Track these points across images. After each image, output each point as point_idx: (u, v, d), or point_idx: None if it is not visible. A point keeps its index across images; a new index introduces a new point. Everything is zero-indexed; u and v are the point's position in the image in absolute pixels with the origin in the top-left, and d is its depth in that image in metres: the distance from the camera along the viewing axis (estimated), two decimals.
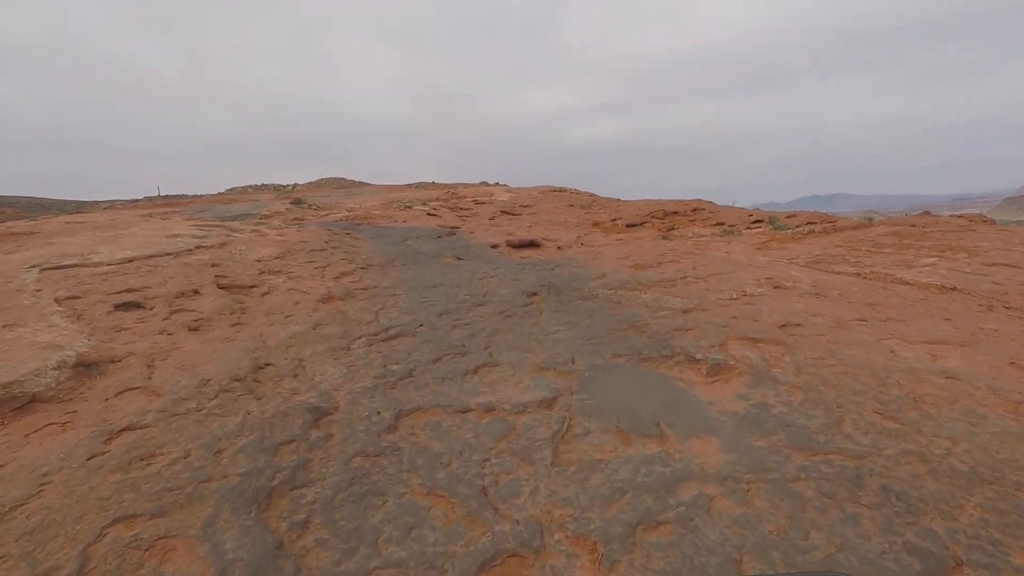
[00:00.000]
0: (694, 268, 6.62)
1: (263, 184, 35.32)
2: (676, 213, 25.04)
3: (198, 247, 7.16)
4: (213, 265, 6.50)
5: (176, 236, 7.59)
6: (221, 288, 5.89)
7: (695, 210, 24.93)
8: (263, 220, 19.31)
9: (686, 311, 5.42)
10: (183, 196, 25.97)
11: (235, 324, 5.06)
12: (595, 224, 17.60)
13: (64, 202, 40.06)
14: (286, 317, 5.46)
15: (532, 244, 13.57)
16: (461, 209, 25.10)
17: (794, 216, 21.51)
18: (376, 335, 5.42)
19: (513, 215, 25.60)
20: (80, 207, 35.87)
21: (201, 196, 25.99)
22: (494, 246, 12.48)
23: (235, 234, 9.18)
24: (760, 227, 21.25)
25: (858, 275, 7.28)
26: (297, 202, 21.67)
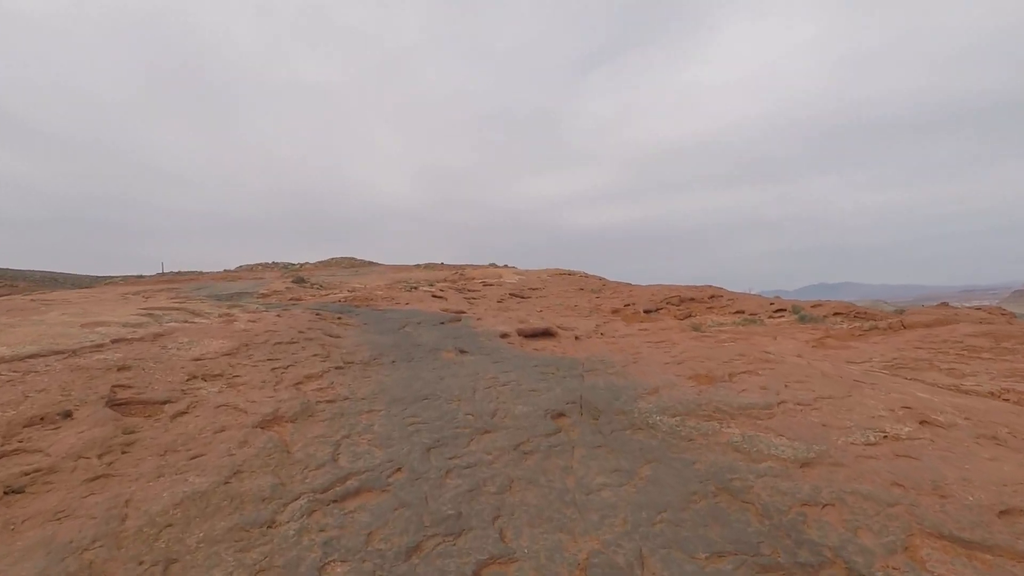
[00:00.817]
0: (785, 385, 4.58)
1: (274, 262, 34.12)
2: (693, 299, 23.22)
3: (117, 340, 5.25)
4: (120, 369, 4.55)
5: (98, 325, 5.72)
6: (114, 407, 3.90)
7: (712, 296, 23.10)
8: (259, 299, 17.61)
9: (805, 464, 3.34)
10: (189, 272, 24.58)
11: (95, 477, 3.02)
12: (614, 311, 15.70)
13: (80, 277, 38.97)
14: (191, 459, 3.42)
15: (547, 333, 11.65)
16: (469, 291, 23.37)
17: (820, 306, 19.57)
18: (326, 491, 3.35)
19: (522, 298, 23.81)
20: (94, 282, 34.58)
21: (207, 273, 24.58)
22: (504, 335, 10.55)
23: (195, 319, 7.31)
24: (783, 316, 19.29)
25: (992, 395, 5.21)
26: (299, 280, 20.05)
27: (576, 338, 11.53)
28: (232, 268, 28.48)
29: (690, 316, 20.95)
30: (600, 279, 30.30)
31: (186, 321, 7.07)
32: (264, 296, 17.81)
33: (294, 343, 6.47)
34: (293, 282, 19.81)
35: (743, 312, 20.68)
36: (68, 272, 39.77)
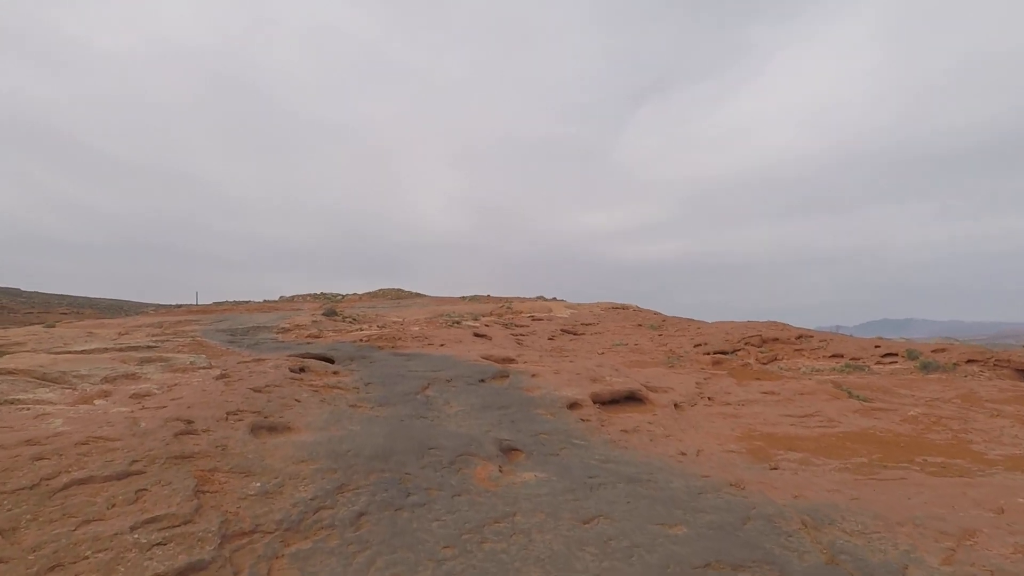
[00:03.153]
0: None
1: (322, 292, 31.17)
2: (776, 340, 18.26)
3: None
4: None
5: None
6: None
7: (800, 337, 18.11)
8: (276, 334, 14.12)
9: None
10: (223, 303, 21.68)
11: None
12: (715, 363, 11.20)
13: (141, 304, 37.24)
14: None
15: (632, 398, 7.41)
16: (516, 326, 19.24)
17: (944, 350, 14.35)
18: None
19: (575, 334, 19.47)
20: (158, 308, 32.57)
21: (244, 303, 21.61)
22: (573, 405, 6.40)
23: (29, 394, 3.58)
24: (895, 362, 14.28)
25: None
26: (330, 313, 16.54)
27: (675, 406, 7.25)
28: (277, 299, 25.55)
29: (775, 360, 16.16)
30: (656, 314, 25.72)
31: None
32: (284, 331, 14.30)
33: (128, 477, 2.53)
34: (323, 315, 16.32)
35: (842, 356, 15.64)
36: (133, 300, 38.21)
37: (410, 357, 9.17)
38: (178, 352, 6.02)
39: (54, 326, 16.93)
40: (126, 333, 9.13)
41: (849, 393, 7.62)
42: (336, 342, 11.05)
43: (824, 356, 16.12)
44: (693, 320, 23.32)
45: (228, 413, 3.72)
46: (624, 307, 27.18)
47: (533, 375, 7.47)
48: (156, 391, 4.08)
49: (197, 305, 21.72)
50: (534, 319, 20.37)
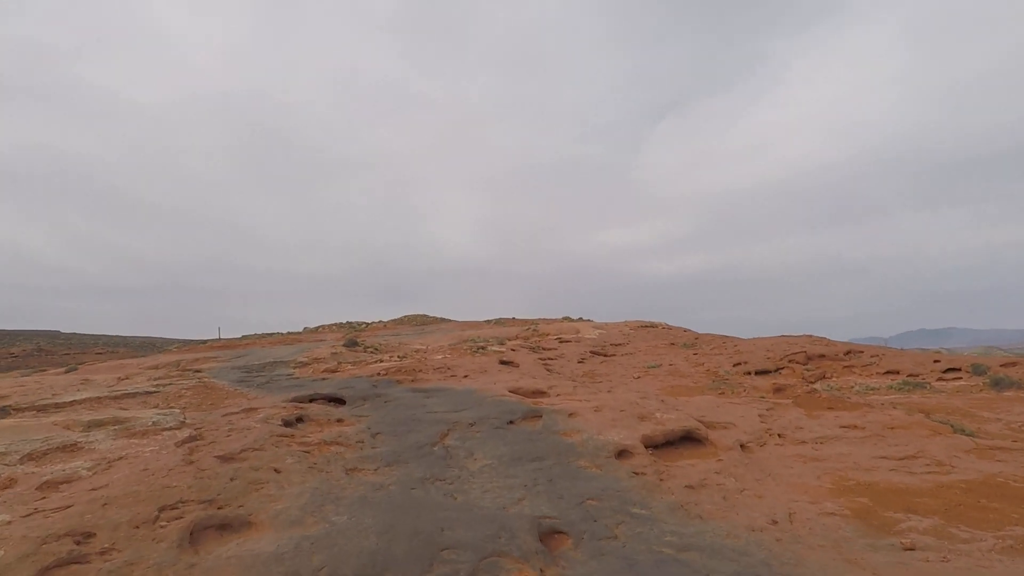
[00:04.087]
0: None
1: (347, 322, 30.46)
2: (823, 356, 16.47)
3: None
4: None
5: None
6: None
7: (849, 352, 16.30)
8: (294, 368, 13.19)
9: None
10: (247, 337, 21.02)
11: None
12: (777, 390, 9.71)
13: (172, 340, 37.13)
14: None
15: (689, 438, 6.05)
16: (544, 349, 17.94)
17: (1015, 364, 12.44)
18: None
19: (606, 356, 18.02)
20: (182, 345, 32.37)
21: (267, 336, 20.91)
22: (622, 453, 5.13)
23: None
24: (959, 378, 12.42)
25: None
26: (351, 344, 15.59)
27: (742, 447, 5.88)
28: (299, 330, 24.87)
29: (824, 378, 14.40)
30: (686, 331, 24.08)
31: None
32: (301, 365, 13.35)
33: None
34: (344, 346, 15.38)
35: (898, 373, 13.74)
36: (166, 336, 38.23)
37: (430, 393, 8.02)
38: (144, 409, 4.99)
39: (76, 368, 16.40)
40: (126, 378, 8.24)
41: (952, 427, 6.10)
42: (352, 377, 9.99)
43: (877, 373, 14.31)
44: (728, 337, 21.61)
45: (161, 509, 2.61)
46: (653, 325, 25.60)
47: (570, 414, 6.21)
48: (85, 472, 3.02)
49: (220, 340, 21.14)
50: (562, 341, 19.06)
